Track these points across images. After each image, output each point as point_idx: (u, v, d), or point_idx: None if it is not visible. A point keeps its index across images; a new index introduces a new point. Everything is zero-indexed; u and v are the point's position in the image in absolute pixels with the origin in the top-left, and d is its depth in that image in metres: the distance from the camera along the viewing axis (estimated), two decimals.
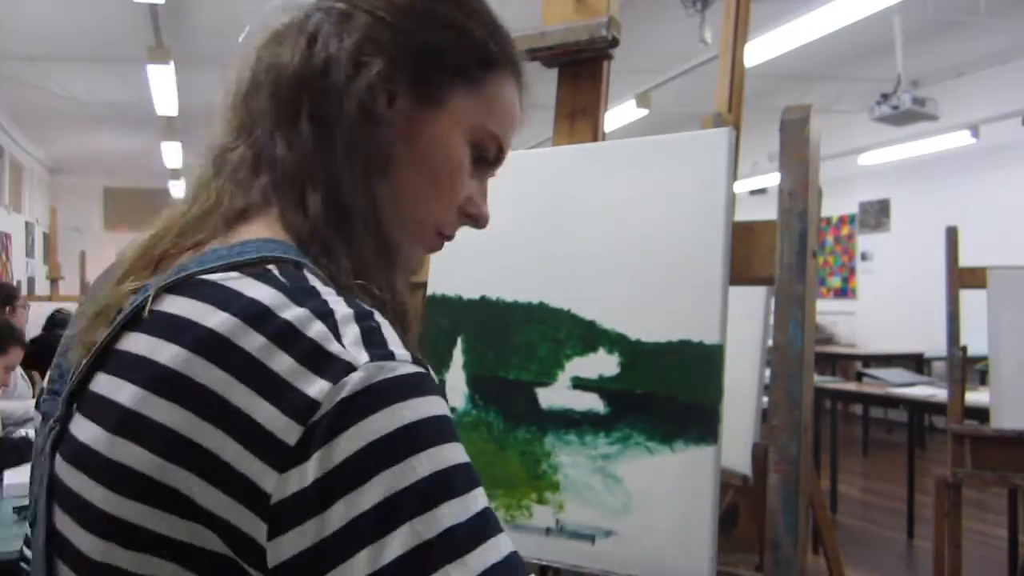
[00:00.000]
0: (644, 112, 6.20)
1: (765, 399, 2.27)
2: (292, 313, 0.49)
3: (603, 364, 1.03)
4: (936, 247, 2.88)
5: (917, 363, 7.09)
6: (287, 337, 0.48)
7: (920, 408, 4.88)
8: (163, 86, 6.13)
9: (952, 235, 2.76)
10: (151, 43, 5.61)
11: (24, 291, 8.75)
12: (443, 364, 1.14)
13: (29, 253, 10.43)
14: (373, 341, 0.49)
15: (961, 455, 2.64)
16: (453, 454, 0.48)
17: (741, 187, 7.37)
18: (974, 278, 2.70)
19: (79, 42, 6.46)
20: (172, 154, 8.98)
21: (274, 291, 0.50)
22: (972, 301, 2.72)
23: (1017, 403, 2.58)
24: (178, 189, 10.44)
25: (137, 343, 0.51)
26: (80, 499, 0.50)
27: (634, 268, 1.04)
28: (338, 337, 0.48)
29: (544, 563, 0.98)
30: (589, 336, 1.05)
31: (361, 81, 0.62)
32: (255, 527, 0.45)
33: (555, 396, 1.06)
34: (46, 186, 12.06)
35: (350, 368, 0.47)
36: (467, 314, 1.14)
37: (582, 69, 1.21)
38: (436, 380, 0.52)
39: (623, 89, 6.06)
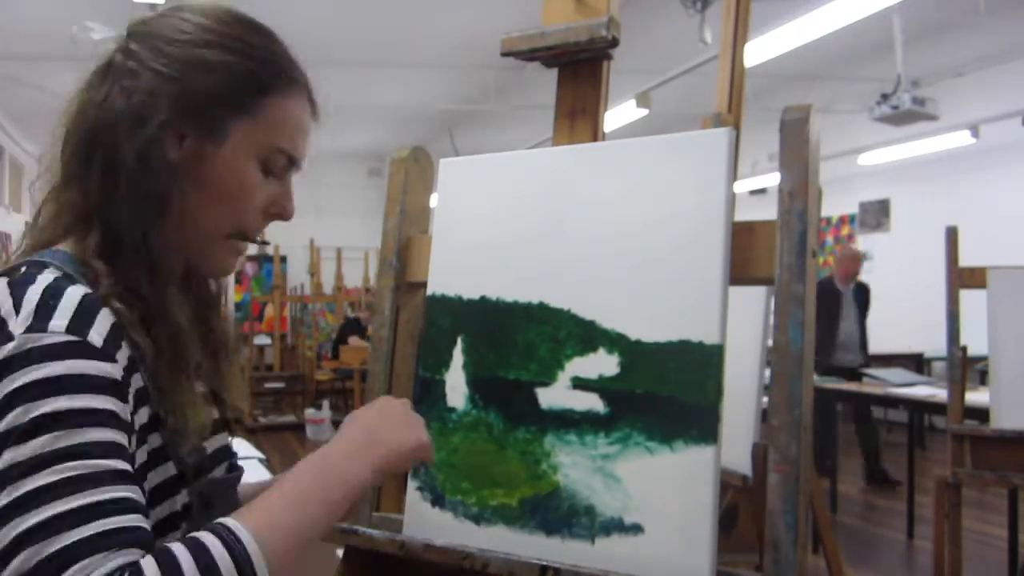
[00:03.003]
0: (644, 112, 6.19)
1: (765, 399, 2.27)
2: (1, 295, 0.69)
3: (603, 364, 1.03)
4: (936, 247, 2.87)
5: (917, 363, 7.10)
6: None
7: (920, 408, 4.88)
8: None
9: (952, 235, 2.76)
10: None
11: None
12: (443, 364, 1.14)
13: None
14: (40, 315, 0.68)
15: (961, 455, 2.64)
16: (61, 404, 0.65)
17: (741, 187, 7.36)
18: (974, 278, 2.69)
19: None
20: None
21: (2, 280, 0.71)
22: (972, 301, 2.72)
23: (1017, 403, 2.58)
24: None
25: None
26: None
27: (634, 268, 1.04)
28: (17, 312, 0.68)
29: (544, 563, 0.98)
30: (589, 336, 1.05)
31: (141, 135, 0.74)
32: None
33: (555, 396, 1.06)
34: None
35: (9, 338, 0.67)
36: (467, 314, 1.14)
37: (582, 69, 1.21)
38: (93, 345, 0.69)
39: (623, 89, 6.05)
